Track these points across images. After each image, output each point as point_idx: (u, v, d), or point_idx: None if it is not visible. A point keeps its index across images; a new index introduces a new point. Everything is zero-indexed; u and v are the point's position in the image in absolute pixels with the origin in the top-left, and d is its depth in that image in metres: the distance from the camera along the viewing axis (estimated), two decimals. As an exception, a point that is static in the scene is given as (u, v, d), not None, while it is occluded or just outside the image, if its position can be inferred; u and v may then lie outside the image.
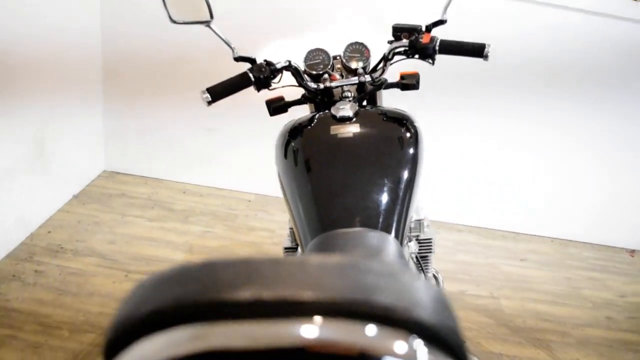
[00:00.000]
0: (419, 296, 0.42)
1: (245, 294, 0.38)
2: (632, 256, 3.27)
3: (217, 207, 3.10)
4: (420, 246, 1.55)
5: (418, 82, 1.52)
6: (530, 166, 3.16)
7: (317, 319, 0.37)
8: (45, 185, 2.76)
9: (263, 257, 0.44)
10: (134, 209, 2.97)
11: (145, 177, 3.32)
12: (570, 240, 3.27)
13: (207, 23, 1.35)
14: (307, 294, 0.38)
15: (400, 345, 0.37)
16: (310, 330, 0.37)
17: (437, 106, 2.89)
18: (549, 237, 3.27)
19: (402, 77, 1.53)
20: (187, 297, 0.39)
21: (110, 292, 2.34)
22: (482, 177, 3.19)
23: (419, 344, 0.38)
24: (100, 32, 3.01)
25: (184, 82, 3.02)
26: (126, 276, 2.44)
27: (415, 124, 1.39)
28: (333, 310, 0.37)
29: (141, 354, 0.36)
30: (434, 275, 1.77)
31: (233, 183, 3.27)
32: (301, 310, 0.37)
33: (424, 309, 0.40)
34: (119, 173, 3.33)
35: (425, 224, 1.53)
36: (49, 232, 2.70)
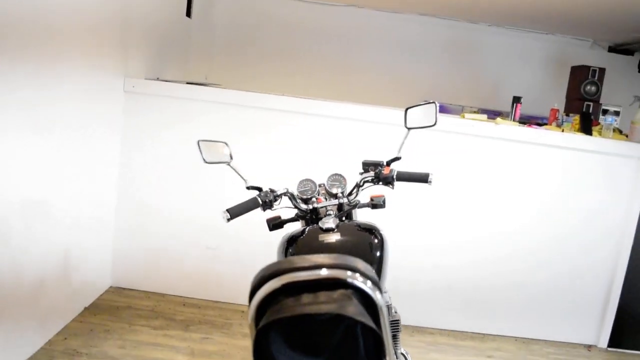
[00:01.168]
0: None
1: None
2: (589, 350, 3.64)
3: (214, 317, 3.45)
4: (391, 327, 1.96)
5: (384, 202, 2.04)
6: (493, 274, 3.62)
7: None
8: (62, 297, 3.11)
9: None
10: (140, 319, 3.31)
11: (148, 292, 3.68)
12: (532, 339, 3.65)
13: (227, 162, 1.89)
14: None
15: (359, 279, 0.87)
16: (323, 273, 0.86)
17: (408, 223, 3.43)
18: (513, 337, 3.65)
19: (372, 199, 2.05)
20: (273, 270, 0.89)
21: (122, 391, 2.62)
22: (452, 284, 3.63)
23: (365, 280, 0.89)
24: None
25: (190, 204, 3.53)
26: (136, 378, 2.73)
27: (381, 232, 1.88)
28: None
29: (261, 293, 0.85)
30: (403, 354, 2.14)
31: (228, 295, 3.65)
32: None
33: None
34: (124, 289, 3.69)
35: (393, 310, 1.95)
36: (65, 338, 3.01)
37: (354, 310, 0.94)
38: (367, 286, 1.04)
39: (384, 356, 0.90)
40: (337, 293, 0.98)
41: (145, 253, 3.68)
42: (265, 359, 0.90)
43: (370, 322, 0.96)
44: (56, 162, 2.86)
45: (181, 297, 3.67)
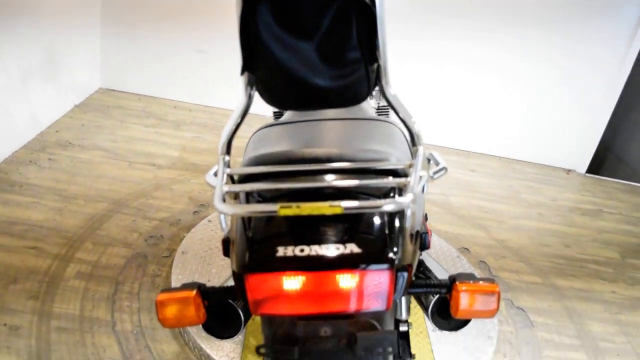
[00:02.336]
0: None
1: None
2: (568, 174, 3.77)
3: (205, 120, 3.47)
4: None
5: None
6: (484, 93, 3.61)
7: None
8: (51, 93, 3.08)
9: None
10: (131, 118, 3.32)
11: (138, 94, 3.65)
12: (516, 159, 3.76)
13: None
14: None
15: None
16: None
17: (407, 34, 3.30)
18: (497, 156, 3.75)
19: None
20: None
21: (116, 176, 2.71)
22: (442, 101, 3.63)
23: None
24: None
25: (177, 5, 3.35)
26: (129, 165, 2.81)
27: None
28: None
29: None
30: None
31: (219, 101, 3.63)
32: None
33: None
34: (114, 90, 3.66)
35: None
36: (57, 131, 3.04)
37: None
38: None
39: (376, 37, 0.87)
40: None
41: (135, 55, 3.58)
42: (251, 34, 0.85)
43: None
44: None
45: (172, 100, 3.65)
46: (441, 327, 1.34)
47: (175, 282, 2.03)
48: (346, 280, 0.76)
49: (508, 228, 2.90)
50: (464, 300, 0.89)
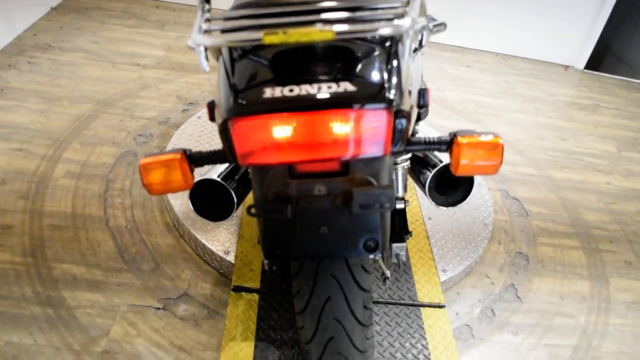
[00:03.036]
0: None
1: None
2: (566, 70, 3.68)
3: (190, 19, 3.31)
4: None
5: None
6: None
7: None
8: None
9: None
10: (112, 19, 3.15)
11: (118, -5, 3.46)
12: (512, 55, 3.65)
13: None
14: None
15: None
16: None
17: None
18: (493, 52, 3.63)
19: None
20: None
21: (100, 77, 2.61)
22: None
23: None
24: None
25: None
26: (113, 66, 2.70)
27: None
28: None
29: None
30: None
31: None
32: None
33: None
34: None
35: None
36: (35, 34, 2.89)
37: None
38: None
39: None
40: None
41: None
42: None
43: None
44: None
45: (154, 0, 3.46)
46: (439, 203, 1.32)
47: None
48: (340, 122, 0.70)
49: (504, 122, 2.85)
50: (466, 154, 0.84)
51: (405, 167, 1.34)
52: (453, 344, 1.55)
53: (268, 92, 0.71)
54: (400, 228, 1.30)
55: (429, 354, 1.51)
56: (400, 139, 0.77)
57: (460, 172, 0.86)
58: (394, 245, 1.28)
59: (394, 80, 0.74)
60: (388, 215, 0.88)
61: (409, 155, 1.35)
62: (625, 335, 1.78)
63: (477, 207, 2.11)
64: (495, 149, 0.84)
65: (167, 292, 1.69)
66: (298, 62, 0.75)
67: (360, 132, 0.71)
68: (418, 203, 2.06)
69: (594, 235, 2.22)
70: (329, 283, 0.99)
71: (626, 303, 1.91)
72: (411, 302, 1.65)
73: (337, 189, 0.83)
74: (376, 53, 0.78)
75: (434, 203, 1.31)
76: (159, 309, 1.63)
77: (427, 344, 1.54)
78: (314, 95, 0.70)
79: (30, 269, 1.70)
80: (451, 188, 1.32)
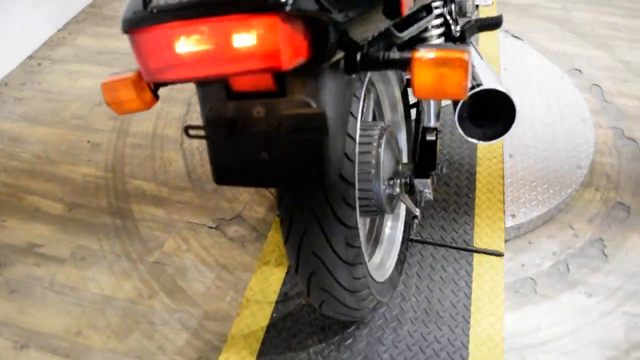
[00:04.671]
0: None
1: None
2: None
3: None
4: None
5: None
6: None
7: None
8: None
9: None
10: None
11: None
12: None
13: None
14: None
15: None
16: None
17: None
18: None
19: None
20: None
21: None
22: None
23: None
24: None
25: None
26: None
27: None
28: None
29: None
30: None
31: None
32: None
33: None
34: None
35: None
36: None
37: None
38: None
39: None
40: None
41: None
42: None
43: None
44: None
45: None
46: (474, 136, 1.15)
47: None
48: (223, 30, 0.60)
49: (641, 48, 2.38)
50: (423, 72, 0.69)
51: None
52: (501, 297, 1.39)
53: (155, 1, 0.63)
54: (425, 162, 1.16)
55: (470, 304, 1.38)
56: (325, 50, 0.65)
57: (419, 94, 0.71)
58: (416, 180, 1.15)
59: None
60: (332, 143, 0.77)
61: None
62: None
63: (575, 146, 1.82)
64: (460, 66, 0.68)
65: (223, 212, 1.74)
66: None
67: (251, 40, 0.60)
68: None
69: None
70: (306, 215, 0.93)
71: None
72: (462, 245, 1.50)
73: (275, 111, 0.74)
74: None
75: (467, 137, 1.14)
76: (212, 227, 1.69)
77: (470, 293, 1.41)
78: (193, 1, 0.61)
79: (108, 183, 1.86)
80: (489, 118, 1.13)
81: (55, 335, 1.44)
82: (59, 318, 1.48)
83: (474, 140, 1.14)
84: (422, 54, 0.69)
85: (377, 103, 1.33)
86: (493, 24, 1.52)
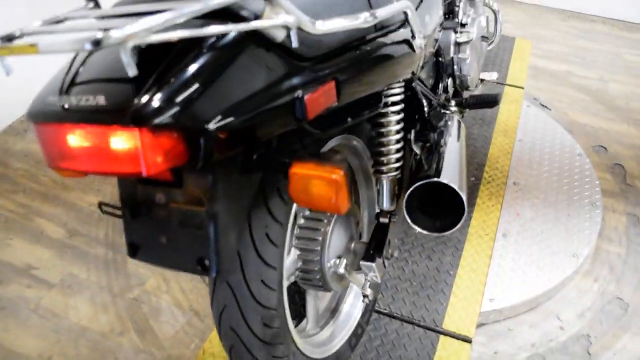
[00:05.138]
0: None
1: None
2: None
3: None
4: None
5: None
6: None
7: None
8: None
9: None
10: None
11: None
12: None
13: None
14: None
15: None
16: None
17: None
18: None
19: None
20: None
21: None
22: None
23: None
24: None
25: None
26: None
27: None
28: None
29: None
30: (493, 10, 1.78)
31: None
32: None
33: None
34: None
35: None
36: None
37: None
38: None
39: None
40: None
41: None
42: None
43: None
44: None
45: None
46: (423, 226, 1.12)
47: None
48: (100, 136, 0.64)
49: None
50: (297, 184, 0.69)
51: (391, 177, 1.15)
52: (458, 386, 1.33)
53: (52, 100, 0.67)
54: (374, 246, 1.14)
55: (424, 389, 1.33)
56: (202, 157, 0.67)
57: (296, 202, 0.72)
58: (362, 263, 1.13)
59: (170, 91, 0.62)
60: (225, 235, 0.78)
61: (399, 163, 1.16)
62: None
63: (577, 231, 1.73)
64: (329, 184, 0.67)
65: (208, 257, 1.77)
66: (100, 68, 0.69)
67: (116, 147, 0.63)
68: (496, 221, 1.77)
69: None
70: (224, 290, 0.95)
71: None
72: (430, 325, 1.46)
73: (171, 201, 0.77)
74: (204, 55, 0.67)
75: (414, 226, 1.11)
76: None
77: (427, 377, 1.35)
78: (76, 106, 0.64)
79: (110, 216, 1.94)
80: (442, 210, 1.10)
81: (28, 357, 1.51)
82: (36, 341, 1.55)
83: (422, 231, 1.11)
84: (297, 167, 0.70)
85: (352, 178, 1.33)
86: (489, 101, 1.49)
